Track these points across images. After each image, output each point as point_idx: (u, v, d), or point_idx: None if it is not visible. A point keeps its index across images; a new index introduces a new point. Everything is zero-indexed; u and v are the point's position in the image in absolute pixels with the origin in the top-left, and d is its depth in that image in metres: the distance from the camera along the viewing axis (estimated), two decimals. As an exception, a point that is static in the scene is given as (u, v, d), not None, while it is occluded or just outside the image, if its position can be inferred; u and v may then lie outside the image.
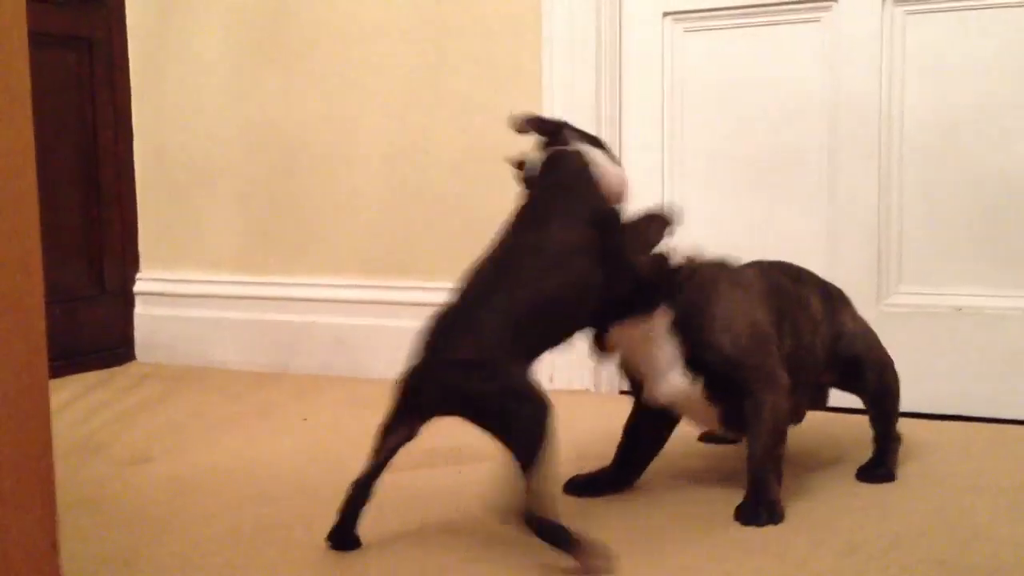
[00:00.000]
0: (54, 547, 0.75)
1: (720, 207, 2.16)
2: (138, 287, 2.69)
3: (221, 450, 1.80)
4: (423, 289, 2.31)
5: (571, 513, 1.33)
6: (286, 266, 2.54)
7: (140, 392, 2.29)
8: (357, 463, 1.68)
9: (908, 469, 1.61)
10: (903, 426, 1.64)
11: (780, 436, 1.42)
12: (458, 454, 1.69)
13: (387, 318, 2.37)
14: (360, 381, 2.33)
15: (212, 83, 2.58)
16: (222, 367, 2.55)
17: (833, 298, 1.63)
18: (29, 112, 0.77)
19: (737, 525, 1.36)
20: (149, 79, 2.65)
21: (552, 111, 2.21)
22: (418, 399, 1.26)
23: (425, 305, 2.36)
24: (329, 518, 1.31)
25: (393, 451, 1.30)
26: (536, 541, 1.19)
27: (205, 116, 2.59)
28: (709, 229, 2.16)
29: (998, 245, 1.96)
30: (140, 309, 2.69)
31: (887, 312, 2.00)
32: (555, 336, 1.33)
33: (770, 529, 1.34)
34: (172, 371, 2.53)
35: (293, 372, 2.48)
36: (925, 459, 1.67)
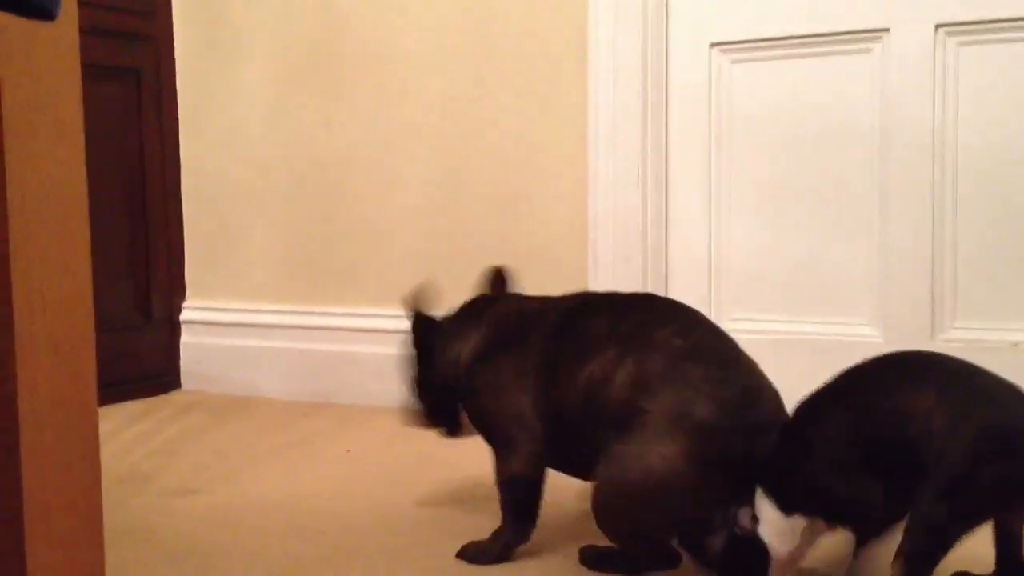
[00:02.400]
0: (100, 585, 0.74)
1: (769, 240, 2.13)
2: (184, 316, 2.71)
3: (265, 482, 1.79)
4: (467, 320, 2.30)
5: None
6: (329, 295, 2.54)
7: (185, 421, 2.30)
8: (400, 496, 1.68)
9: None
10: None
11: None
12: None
13: (431, 349, 2.35)
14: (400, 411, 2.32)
15: (256, 113, 2.59)
16: (266, 396, 2.55)
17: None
18: (82, 147, 0.76)
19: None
20: (195, 110, 2.67)
21: (596, 142, 2.20)
22: None
23: (469, 336, 2.36)
24: (372, 553, 1.30)
25: None
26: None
27: (249, 146, 2.61)
28: (757, 263, 2.14)
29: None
30: (186, 338, 2.71)
31: (942, 347, 1.95)
32: None
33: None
34: (217, 400, 2.53)
35: (337, 402, 2.47)
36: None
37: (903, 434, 1.08)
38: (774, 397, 1.22)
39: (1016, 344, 1.94)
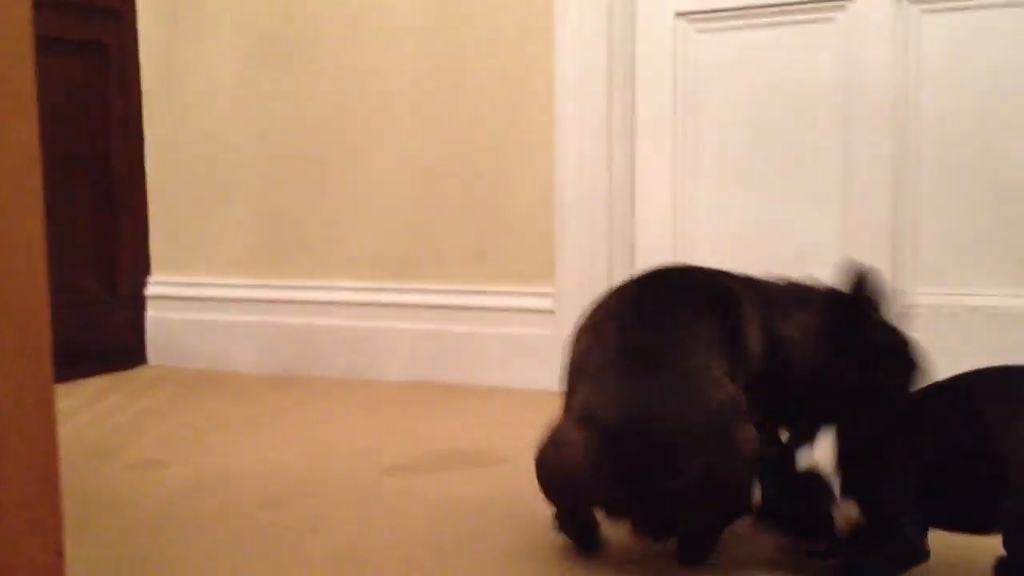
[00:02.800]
0: (60, 555, 0.74)
1: (733, 207, 2.14)
2: (150, 291, 2.69)
3: (233, 454, 1.79)
4: (437, 292, 2.30)
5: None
6: (299, 269, 2.53)
7: (152, 396, 2.29)
8: (369, 466, 1.69)
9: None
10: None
11: None
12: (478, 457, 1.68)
13: (401, 321, 2.36)
14: (375, 384, 2.32)
15: (223, 87, 2.58)
16: (235, 371, 2.55)
17: None
18: (35, 119, 0.76)
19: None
20: (160, 83, 2.65)
21: (564, 112, 2.20)
22: None
23: (438, 308, 2.37)
24: (339, 521, 1.30)
25: None
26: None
27: (217, 120, 2.59)
28: (722, 229, 2.16)
29: (1014, 245, 1.94)
30: (152, 313, 2.69)
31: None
32: None
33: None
34: (185, 375, 2.53)
35: (307, 375, 2.47)
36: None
37: (991, 448, 1.07)
38: (689, 411, 1.15)
39: (975, 308, 1.97)
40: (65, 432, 1.81)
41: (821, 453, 1.20)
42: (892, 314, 1.23)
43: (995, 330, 1.95)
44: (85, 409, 2.15)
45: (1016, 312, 1.94)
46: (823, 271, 1.61)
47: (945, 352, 1.95)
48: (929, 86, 1.98)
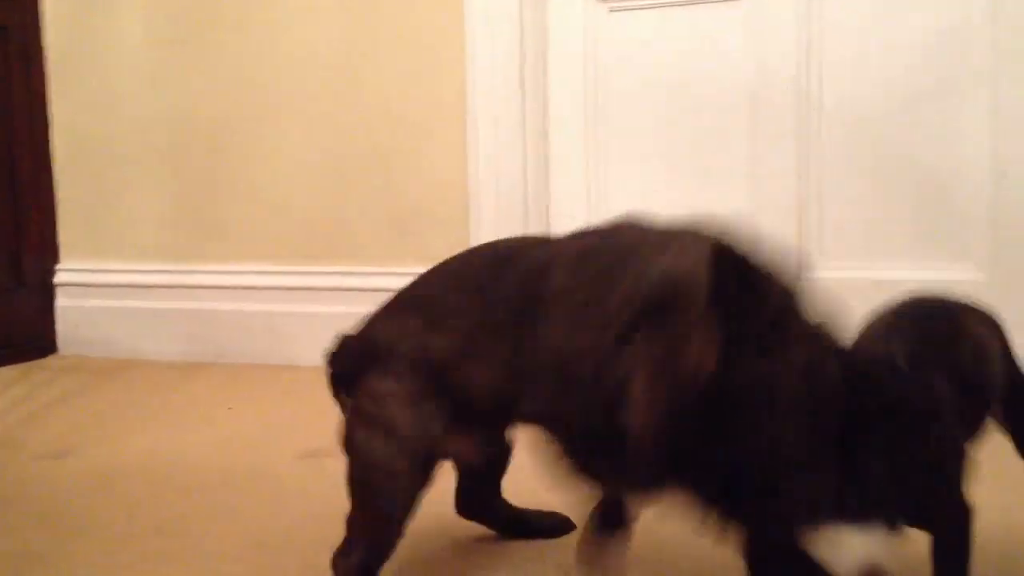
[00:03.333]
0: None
1: (644, 188, 2.17)
2: (59, 278, 2.63)
3: (143, 443, 1.76)
4: (352, 274, 2.29)
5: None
6: (211, 254, 2.50)
7: (60, 386, 2.24)
8: (282, 451, 1.67)
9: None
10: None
11: None
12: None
13: (316, 304, 2.34)
14: (289, 368, 2.31)
15: (131, 70, 2.52)
16: (148, 358, 2.51)
17: None
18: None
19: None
20: (66, 66, 2.58)
21: (475, 93, 2.20)
22: None
23: (353, 290, 2.36)
24: (252, 507, 1.29)
25: None
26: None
27: (126, 103, 2.54)
28: (636, 207, 2.18)
29: (915, 220, 2.00)
30: (63, 301, 2.63)
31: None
32: None
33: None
34: (96, 364, 2.48)
35: (222, 362, 2.44)
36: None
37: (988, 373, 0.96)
38: None
39: (879, 282, 2.02)
40: (-32, 424, 1.76)
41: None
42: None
43: (898, 303, 2.00)
44: (-9, 400, 2.10)
45: (917, 285, 1.99)
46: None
47: (848, 323, 2.01)
48: (832, 69, 2.02)
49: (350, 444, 1.07)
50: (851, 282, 2.02)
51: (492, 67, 2.19)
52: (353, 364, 1.09)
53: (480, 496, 1.26)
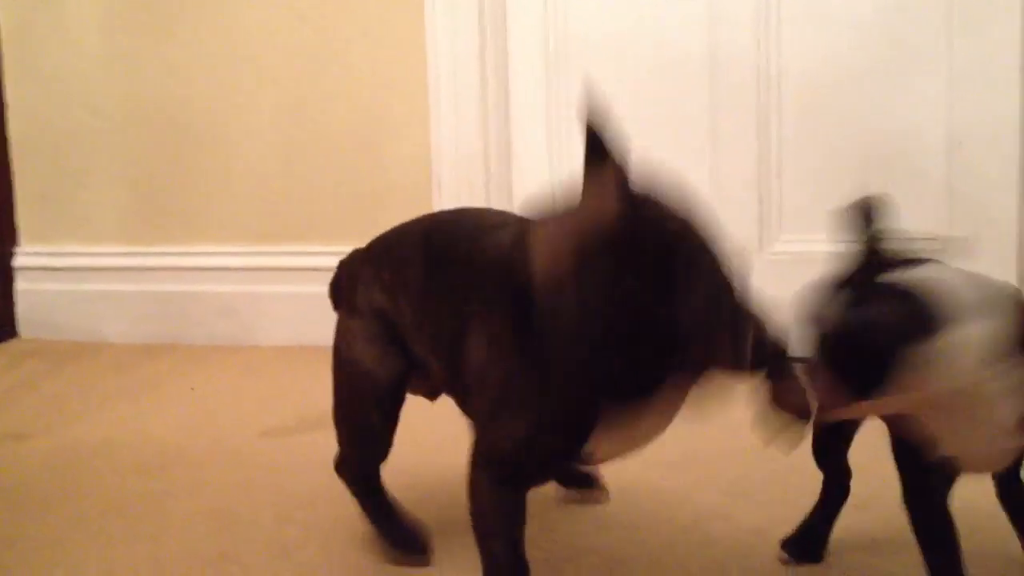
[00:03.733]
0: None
1: (607, 163, 2.17)
2: (18, 262, 2.60)
3: (105, 424, 1.75)
4: (313, 254, 2.28)
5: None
6: (172, 235, 2.48)
7: (21, 369, 2.22)
8: (245, 430, 1.67)
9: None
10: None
11: None
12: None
13: (276, 284, 2.33)
14: (251, 349, 2.30)
15: (89, 52, 2.49)
16: (110, 341, 2.48)
17: None
18: None
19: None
20: (21, 49, 2.54)
21: (437, 73, 2.19)
22: None
23: (314, 270, 2.34)
24: (216, 485, 1.29)
25: None
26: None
27: (84, 84, 2.50)
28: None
29: (871, 192, 2.02)
30: (22, 285, 2.60)
31: (770, 260, 2.05)
32: None
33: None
34: (57, 347, 2.46)
35: (184, 343, 2.43)
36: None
37: None
38: None
39: (840, 255, 2.04)
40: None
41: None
42: None
43: (856, 275, 2.03)
44: (-50, 385, 2.08)
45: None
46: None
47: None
48: (789, 40, 2.03)
49: (335, 360, 1.19)
50: (811, 255, 2.05)
51: (453, 48, 2.18)
52: (335, 294, 1.23)
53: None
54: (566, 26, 2.18)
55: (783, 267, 2.04)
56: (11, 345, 2.51)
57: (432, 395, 1.19)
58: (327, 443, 1.21)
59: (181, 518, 1.30)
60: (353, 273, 1.20)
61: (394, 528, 1.19)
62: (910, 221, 1.98)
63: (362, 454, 1.19)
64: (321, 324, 2.29)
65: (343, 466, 1.22)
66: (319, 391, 1.28)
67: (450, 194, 2.21)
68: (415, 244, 1.11)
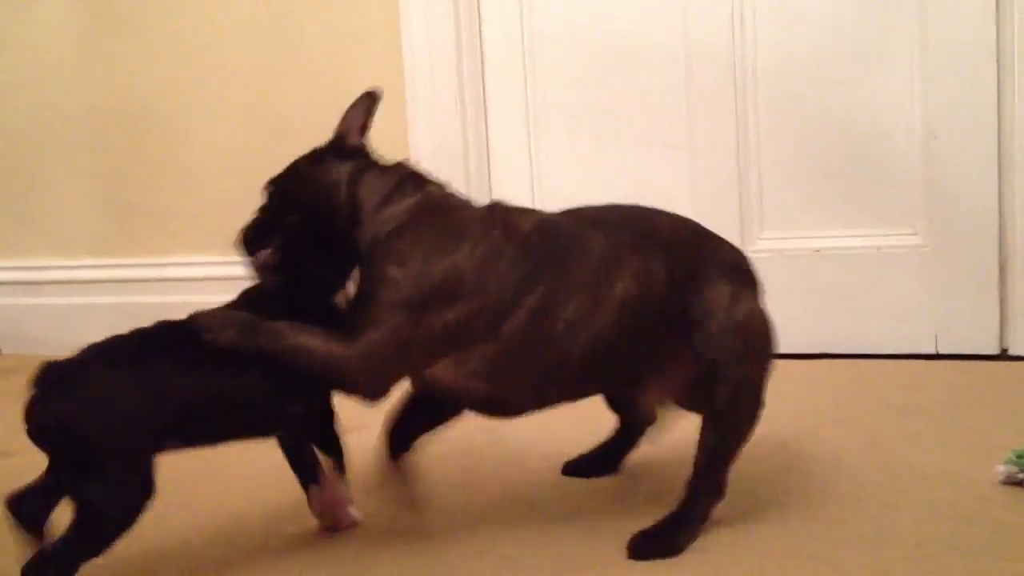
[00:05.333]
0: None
1: (583, 159, 2.18)
2: (-4, 277, 2.58)
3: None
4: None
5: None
6: (150, 245, 2.46)
7: (2, 387, 2.20)
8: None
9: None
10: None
11: None
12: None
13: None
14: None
15: (55, 59, 2.47)
16: (90, 355, 2.46)
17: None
18: None
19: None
20: (-11, 59, 2.53)
21: (412, 68, 2.19)
22: None
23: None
24: (204, 498, 1.28)
25: None
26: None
27: (50, 91, 2.49)
28: (576, 183, 2.18)
29: (850, 188, 2.03)
30: (1, 300, 2.58)
31: (751, 255, 2.04)
32: None
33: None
34: (37, 363, 2.43)
35: (165, 354, 2.41)
36: (795, 396, 1.73)
37: None
38: None
39: (818, 250, 2.05)
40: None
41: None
42: None
43: (836, 270, 2.04)
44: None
45: (854, 252, 2.03)
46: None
47: (791, 292, 2.04)
48: (764, 33, 2.04)
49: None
50: (791, 251, 2.06)
51: (429, 43, 2.18)
52: None
53: None
54: (541, 22, 2.18)
55: (764, 264, 2.02)
56: (-10, 362, 2.49)
57: None
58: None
59: (174, 532, 1.29)
60: None
61: None
62: (889, 215, 2.00)
63: None
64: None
65: None
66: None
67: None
68: None
